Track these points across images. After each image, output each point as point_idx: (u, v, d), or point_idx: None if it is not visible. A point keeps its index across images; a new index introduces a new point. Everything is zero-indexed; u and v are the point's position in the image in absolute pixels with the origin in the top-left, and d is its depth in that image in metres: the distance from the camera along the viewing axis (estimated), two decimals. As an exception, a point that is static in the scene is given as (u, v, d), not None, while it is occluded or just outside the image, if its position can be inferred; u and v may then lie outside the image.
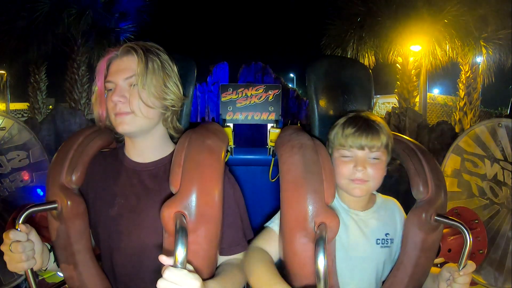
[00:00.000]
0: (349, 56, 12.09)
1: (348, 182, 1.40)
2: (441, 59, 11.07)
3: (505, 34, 10.23)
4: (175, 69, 1.41)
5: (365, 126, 1.40)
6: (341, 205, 1.48)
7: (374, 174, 1.40)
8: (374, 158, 1.40)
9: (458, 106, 12.21)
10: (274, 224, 1.47)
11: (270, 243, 1.44)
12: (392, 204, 1.56)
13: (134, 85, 1.31)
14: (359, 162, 1.38)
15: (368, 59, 12.09)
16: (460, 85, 12.08)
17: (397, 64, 11.91)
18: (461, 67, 11.91)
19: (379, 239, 1.46)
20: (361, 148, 1.38)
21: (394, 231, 1.50)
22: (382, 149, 1.41)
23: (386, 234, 1.48)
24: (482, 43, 10.65)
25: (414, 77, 11.76)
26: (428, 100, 13.50)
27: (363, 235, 1.45)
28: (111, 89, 1.33)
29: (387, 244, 1.47)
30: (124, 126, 1.31)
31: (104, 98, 1.36)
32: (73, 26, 11.46)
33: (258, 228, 1.53)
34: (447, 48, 10.83)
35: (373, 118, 1.44)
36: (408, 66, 11.63)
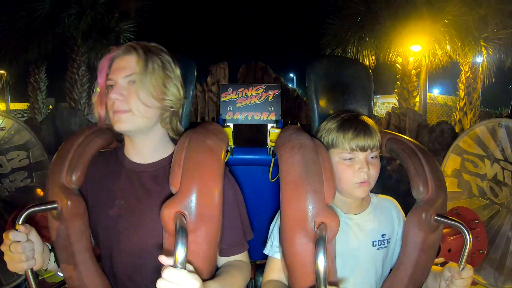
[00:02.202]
0: (349, 56, 12.09)
1: (353, 185, 1.39)
2: (441, 59, 11.09)
3: (505, 34, 10.24)
4: (178, 71, 1.40)
5: (363, 127, 1.40)
6: (335, 209, 1.45)
7: (374, 173, 1.41)
8: (372, 158, 1.42)
9: (458, 106, 12.22)
10: (272, 251, 1.48)
11: (277, 272, 1.44)
12: (389, 203, 1.55)
13: (133, 83, 1.31)
14: (363, 164, 1.38)
15: (368, 59, 12.09)
16: (460, 85, 12.09)
17: (397, 64, 11.92)
18: (461, 67, 11.92)
19: (375, 241, 1.46)
20: (364, 149, 1.38)
21: (392, 231, 1.50)
22: (378, 147, 1.43)
23: (382, 235, 1.47)
24: (482, 43, 10.67)
25: (414, 77, 11.77)
26: (428, 100, 13.52)
27: (358, 239, 1.44)
28: (112, 86, 1.33)
29: (383, 245, 1.47)
30: (121, 124, 1.31)
31: (104, 97, 1.36)
32: (73, 26, 11.48)
33: (258, 229, 1.53)
34: (447, 48, 10.84)
35: (364, 119, 1.45)
36: (408, 66, 11.64)
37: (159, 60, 1.34)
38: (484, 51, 10.84)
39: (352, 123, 1.41)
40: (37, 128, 6.78)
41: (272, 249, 1.47)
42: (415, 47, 11.26)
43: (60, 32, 11.62)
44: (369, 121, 1.45)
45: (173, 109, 1.38)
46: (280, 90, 1.85)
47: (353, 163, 1.39)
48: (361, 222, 1.47)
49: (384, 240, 1.47)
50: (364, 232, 1.45)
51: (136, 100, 1.30)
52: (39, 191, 2.67)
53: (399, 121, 7.60)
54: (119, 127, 1.32)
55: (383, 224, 1.49)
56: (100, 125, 1.43)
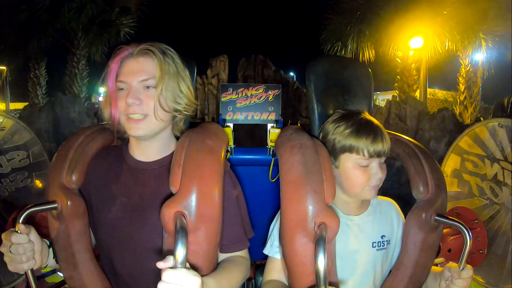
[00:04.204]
0: (349, 50, 12.09)
1: (365, 189, 1.39)
2: (440, 51, 11.03)
3: (505, 27, 10.19)
4: (187, 72, 1.40)
5: (380, 133, 1.38)
6: (335, 210, 1.43)
7: (384, 176, 1.41)
8: (383, 162, 1.41)
9: (458, 100, 12.17)
10: (272, 251, 1.48)
11: (277, 272, 1.45)
12: (388, 205, 1.55)
13: (149, 87, 1.30)
14: (377, 170, 1.38)
15: (368, 53, 12.05)
16: (460, 79, 12.04)
17: (397, 59, 11.87)
18: (461, 61, 11.87)
19: (374, 242, 1.46)
20: (380, 156, 1.37)
21: (391, 232, 1.50)
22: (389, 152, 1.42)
23: (382, 237, 1.47)
24: (481, 35, 10.62)
25: (414, 71, 11.72)
26: (428, 96, 13.46)
27: (358, 241, 1.44)
28: (122, 89, 1.32)
29: (383, 246, 1.47)
30: (137, 131, 1.31)
31: (115, 98, 1.34)
32: (73, 19, 11.45)
33: (258, 229, 1.53)
34: (447, 41, 10.79)
35: (375, 121, 1.42)
36: (408, 60, 11.60)
37: (173, 64, 1.34)
38: (483, 43, 10.79)
39: (370, 128, 1.38)
40: (37, 114, 6.79)
41: (272, 249, 1.47)
42: (415, 40, 11.20)
43: (61, 26, 11.58)
44: (380, 124, 1.44)
45: (187, 113, 1.40)
46: (280, 90, 1.84)
47: (368, 169, 1.38)
48: (361, 223, 1.47)
49: (384, 241, 1.47)
50: (364, 233, 1.46)
51: (154, 105, 1.30)
52: (38, 183, 2.67)
53: (399, 109, 7.55)
54: (135, 133, 1.32)
55: (382, 225, 1.49)
56: (114, 127, 1.41)
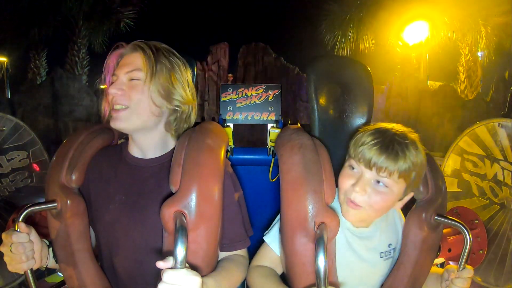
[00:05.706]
0: (349, 40, 12.12)
1: (345, 199, 1.32)
2: (440, 39, 11.03)
3: (505, 13, 10.18)
4: (188, 75, 1.42)
5: (386, 143, 1.25)
6: (346, 224, 1.37)
7: (374, 203, 1.28)
8: (381, 184, 1.27)
9: (459, 89, 12.06)
10: (272, 240, 1.44)
11: (269, 262, 1.44)
12: (392, 211, 1.48)
13: (134, 79, 1.32)
14: (359, 183, 1.27)
15: (368, 42, 12.04)
16: (460, 68, 11.94)
17: (397, 48, 11.87)
18: (461, 51, 11.80)
19: (382, 252, 1.42)
20: (369, 166, 1.26)
21: (396, 239, 1.46)
22: (396, 178, 1.25)
23: (389, 245, 1.44)
24: (480, 22, 10.61)
25: (415, 60, 11.71)
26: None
27: (367, 252, 1.40)
28: (113, 83, 1.34)
29: (390, 255, 1.44)
30: (116, 121, 1.32)
31: (108, 92, 1.36)
32: (74, 8, 11.50)
33: (258, 228, 1.53)
34: (446, 29, 10.80)
35: (401, 138, 1.26)
36: (408, 50, 11.61)
37: (166, 60, 1.35)
38: (483, 30, 10.76)
39: (380, 134, 1.28)
40: (36, 89, 6.80)
41: (273, 239, 1.44)
42: (416, 27, 11.21)
43: (62, 14, 11.63)
44: (409, 141, 1.27)
45: (179, 109, 1.39)
46: (280, 90, 1.85)
47: (353, 176, 1.31)
48: (370, 235, 1.41)
49: (390, 250, 1.44)
50: (373, 244, 1.41)
51: (136, 97, 1.30)
52: (35, 166, 2.67)
53: (400, 87, 7.49)
54: (115, 124, 1.32)
55: (389, 234, 1.45)
56: (104, 122, 1.43)
